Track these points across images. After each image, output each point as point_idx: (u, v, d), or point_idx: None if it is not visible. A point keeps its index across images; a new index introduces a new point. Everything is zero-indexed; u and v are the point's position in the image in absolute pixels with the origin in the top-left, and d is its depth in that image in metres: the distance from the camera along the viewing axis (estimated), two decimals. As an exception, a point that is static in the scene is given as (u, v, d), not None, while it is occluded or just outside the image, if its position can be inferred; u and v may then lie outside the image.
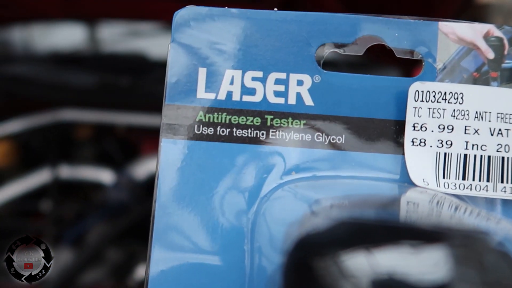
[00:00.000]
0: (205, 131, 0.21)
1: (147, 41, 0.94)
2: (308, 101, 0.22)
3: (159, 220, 0.21)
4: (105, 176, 0.83)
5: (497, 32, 0.22)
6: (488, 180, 0.21)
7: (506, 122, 0.22)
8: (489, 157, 0.21)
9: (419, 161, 0.22)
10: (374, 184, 0.22)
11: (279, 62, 0.22)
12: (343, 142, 0.22)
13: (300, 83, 0.22)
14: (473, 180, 0.21)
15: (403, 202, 0.21)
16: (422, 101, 0.22)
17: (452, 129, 0.21)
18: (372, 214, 0.19)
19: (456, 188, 0.21)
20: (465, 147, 0.21)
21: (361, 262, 0.15)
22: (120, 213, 0.78)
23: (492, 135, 0.21)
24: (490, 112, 0.22)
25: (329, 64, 0.23)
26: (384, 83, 0.22)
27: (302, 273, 0.16)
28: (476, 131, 0.21)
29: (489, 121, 0.21)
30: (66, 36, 0.97)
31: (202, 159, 0.21)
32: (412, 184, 0.22)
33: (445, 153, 0.22)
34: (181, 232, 0.21)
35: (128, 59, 0.96)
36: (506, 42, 0.22)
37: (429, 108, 0.22)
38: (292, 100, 0.22)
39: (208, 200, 0.21)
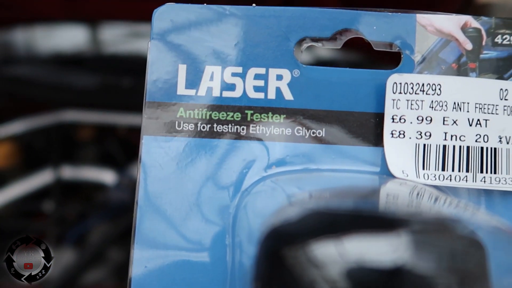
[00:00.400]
0: (185, 127, 0.22)
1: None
2: (288, 95, 0.22)
3: (141, 218, 0.21)
4: (107, 176, 0.84)
5: (474, 23, 0.23)
6: (467, 171, 0.22)
7: (484, 113, 0.22)
8: (468, 147, 0.22)
9: (399, 152, 0.22)
10: (354, 176, 0.22)
11: (259, 57, 0.22)
12: (323, 135, 0.22)
13: (279, 77, 0.22)
14: (453, 170, 0.22)
15: (383, 193, 0.22)
16: (400, 93, 0.22)
17: (431, 120, 0.22)
18: (348, 205, 0.20)
19: (435, 179, 0.22)
20: (444, 138, 0.22)
21: (330, 251, 0.16)
22: (122, 213, 0.79)
23: (470, 125, 0.22)
24: (468, 103, 0.22)
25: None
26: (363, 76, 0.23)
27: (272, 262, 0.17)
28: (454, 122, 0.22)
29: (468, 111, 0.22)
30: (68, 37, 0.98)
31: (183, 155, 0.22)
32: (392, 176, 0.22)
33: (424, 145, 0.22)
34: (163, 229, 0.21)
35: (130, 60, 0.97)
36: (483, 33, 0.22)
37: (408, 100, 0.22)
38: (271, 94, 0.22)
39: (190, 196, 0.22)
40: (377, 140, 0.22)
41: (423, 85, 0.22)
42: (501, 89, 0.22)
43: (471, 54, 0.22)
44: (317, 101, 0.22)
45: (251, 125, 0.22)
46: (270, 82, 0.22)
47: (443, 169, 0.22)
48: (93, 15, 0.91)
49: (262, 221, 0.20)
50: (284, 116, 0.22)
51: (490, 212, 0.22)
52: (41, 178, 0.80)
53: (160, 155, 0.22)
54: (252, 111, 0.22)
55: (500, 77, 0.22)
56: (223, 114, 0.22)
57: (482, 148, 0.22)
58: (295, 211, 0.19)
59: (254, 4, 0.23)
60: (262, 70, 0.22)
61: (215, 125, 0.22)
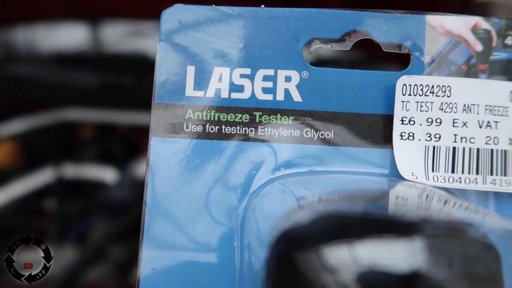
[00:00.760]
0: (194, 129, 0.22)
1: (149, 40, 0.95)
2: (297, 97, 0.22)
3: (149, 219, 0.21)
4: (108, 175, 0.84)
5: (485, 25, 0.22)
6: (477, 173, 0.21)
7: (494, 115, 0.21)
8: (478, 149, 0.21)
9: (408, 154, 0.22)
10: (363, 178, 0.22)
11: (267, 59, 0.22)
12: (332, 137, 0.22)
13: (288, 79, 0.22)
14: (462, 173, 0.21)
15: (392, 196, 0.21)
16: (410, 94, 0.22)
17: (440, 122, 0.21)
18: (359, 208, 0.19)
19: (445, 181, 0.21)
20: (453, 140, 0.21)
21: (342, 255, 0.15)
22: (123, 211, 0.79)
23: (480, 127, 0.21)
24: (478, 105, 0.21)
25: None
26: (372, 77, 0.22)
27: (284, 266, 0.16)
28: (464, 124, 0.21)
29: (478, 113, 0.21)
30: (69, 36, 0.97)
31: (191, 157, 0.21)
32: (401, 178, 0.22)
33: (434, 146, 0.22)
34: (171, 230, 0.21)
35: (130, 59, 0.96)
36: (494, 34, 0.22)
37: (417, 102, 0.22)
38: (280, 96, 0.22)
39: (198, 197, 0.21)
40: (386, 142, 0.22)
41: (432, 86, 0.22)
42: (511, 91, 0.22)
43: (481, 55, 0.22)
44: (326, 103, 0.22)
45: (259, 127, 0.22)
46: (279, 84, 0.22)
47: (452, 171, 0.21)
48: (94, 14, 0.90)
49: (271, 223, 0.19)
50: (293, 117, 0.22)
51: (500, 215, 0.22)
52: (43, 177, 0.80)
53: (168, 157, 0.21)
54: (260, 113, 0.22)
55: (511, 79, 0.22)
56: (231, 115, 0.22)
57: (492, 150, 0.21)
58: (306, 214, 0.18)
59: (262, 6, 0.22)
60: (270, 72, 0.22)
61: (223, 127, 0.22)
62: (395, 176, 0.22)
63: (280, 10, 0.22)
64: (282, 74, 0.22)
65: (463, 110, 0.21)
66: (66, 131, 0.86)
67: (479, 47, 0.22)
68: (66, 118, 0.85)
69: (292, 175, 0.22)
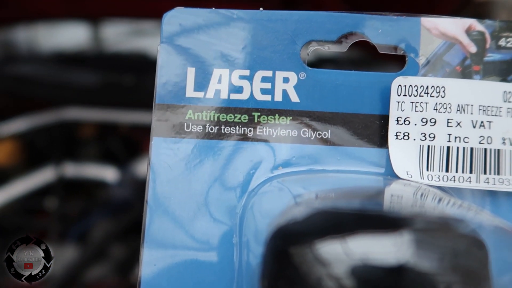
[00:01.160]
0: (194, 129, 0.22)
1: (150, 40, 0.95)
2: (294, 97, 0.23)
3: (150, 217, 0.22)
4: (109, 174, 0.85)
5: (479, 27, 0.23)
6: (471, 172, 0.22)
7: (488, 115, 0.22)
8: (471, 149, 0.22)
9: (403, 154, 0.22)
10: (359, 177, 0.22)
11: (266, 61, 0.23)
12: (329, 137, 0.23)
13: (286, 80, 0.23)
14: (456, 172, 0.22)
15: (387, 194, 0.22)
16: (405, 95, 0.22)
17: (435, 122, 0.22)
18: (353, 205, 0.20)
19: (439, 180, 0.22)
20: (448, 140, 0.22)
21: (336, 250, 0.16)
22: (123, 211, 0.80)
23: (474, 127, 0.22)
24: (472, 105, 0.22)
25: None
26: (368, 78, 0.23)
27: (279, 260, 0.17)
28: (458, 124, 0.22)
29: (471, 113, 0.22)
30: (70, 35, 0.98)
31: (192, 156, 0.22)
32: (397, 177, 0.22)
33: (428, 146, 0.22)
34: (172, 228, 0.22)
35: (131, 58, 0.97)
36: (488, 36, 0.23)
37: (412, 102, 0.22)
38: (278, 97, 0.23)
39: (198, 196, 0.22)
40: (382, 141, 0.23)
41: (427, 87, 0.22)
42: (505, 91, 0.22)
43: (475, 57, 0.23)
44: (323, 103, 0.23)
45: (258, 127, 0.22)
46: (277, 85, 0.23)
47: (447, 170, 0.22)
48: (94, 13, 0.91)
49: (268, 221, 0.20)
50: (291, 118, 0.23)
51: (494, 213, 0.22)
52: (44, 176, 0.81)
53: (169, 156, 0.22)
54: (259, 113, 0.22)
55: (504, 80, 0.23)
56: (230, 116, 0.22)
57: (485, 149, 0.22)
58: (301, 210, 0.19)
59: (261, 8, 0.23)
60: (269, 73, 0.23)
61: (223, 127, 0.22)
62: (391, 175, 0.22)
63: (278, 13, 0.23)
64: (280, 75, 0.23)
65: (457, 110, 0.22)
66: (67, 131, 0.87)
67: (473, 48, 0.23)
68: (67, 117, 0.86)
69: (289, 174, 0.22)
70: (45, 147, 0.88)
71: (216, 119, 0.22)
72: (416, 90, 0.22)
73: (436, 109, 0.22)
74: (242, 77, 0.23)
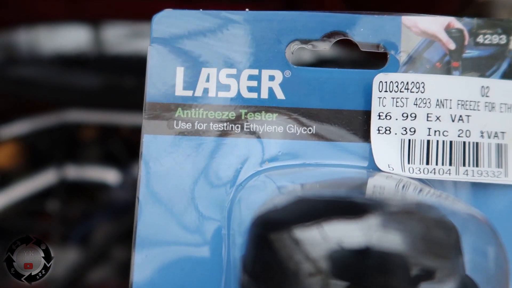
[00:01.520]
0: (183, 126, 0.24)
1: (151, 41, 0.97)
2: (280, 95, 0.24)
3: (142, 213, 0.23)
4: (110, 176, 0.86)
5: (457, 24, 0.24)
6: (450, 164, 0.23)
7: (466, 109, 0.24)
8: (451, 142, 0.23)
9: (385, 148, 0.24)
10: (343, 170, 0.24)
11: (252, 59, 0.24)
12: (314, 132, 0.24)
13: (271, 78, 0.24)
14: (436, 164, 0.23)
15: (370, 185, 0.23)
16: (386, 91, 0.24)
17: (415, 116, 0.24)
18: (333, 194, 0.21)
19: (420, 172, 0.23)
20: (427, 134, 0.24)
21: (312, 234, 0.17)
22: (125, 213, 0.81)
23: (453, 121, 0.23)
24: (450, 100, 0.24)
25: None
26: (351, 75, 0.24)
27: (260, 246, 0.19)
28: (437, 118, 0.23)
29: (450, 108, 0.23)
30: (71, 38, 1.00)
31: (181, 152, 0.24)
32: (379, 170, 0.24)
33: (409, 140, 0.24)
34: (163, 220, 0.23)
35: (132, 60, 0.99)
36: (466, 33, 0.24)
37: (393, 98, 0.24)
38: (264, 94, 0.24)
39: (188, 191, 0.23)
40: (365, 136, 0.24)
41: (407, 83, 0.24)
42: (483, 86, 0.24)
43: (454, 53, 0.24)
44: (308, 100, 0.24)
45: (245, 124, 0.24)
46: (263, 83, 0.24)
47: (427, 163, 0.23)
48: (95, 16, 0.93)
49: (253, 213, 0.22)
50: (277, 114, 0.24)
51: (472, 204, 0.24)
52: (45, 178, 0.83)
53: (160, 153, 0.24)
54: (246, 110, 0.24)
55: (482, 75, 0.24)
56: (218, 113, 0.24)
57: (464, 142, 0.23)
58: (282, 199, 0.20)
59: (247, 9, 0.24)
60: (255, 72, 0.24)
61: (211, 124, 0.24)
62: (374, 168, 0.24)
63: (264, 13, 0.24)
64: (266, 73, 0.24)
65: (437, 105, 0.23)
66: (68, 133, 0.89)
67: (452, 45, 0.24)
68: (68, 119, 0.88)
69: (276, 168, 0.24)
70: (46, 150, 0.89)
71: (204, 116, 0.24)
72: (397, 86, 0.24)
73: (416, 104, 0.24)
74: (229, 76, 0.24)
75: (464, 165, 0.23)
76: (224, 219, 0.23)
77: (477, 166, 0.23)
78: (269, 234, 0.18)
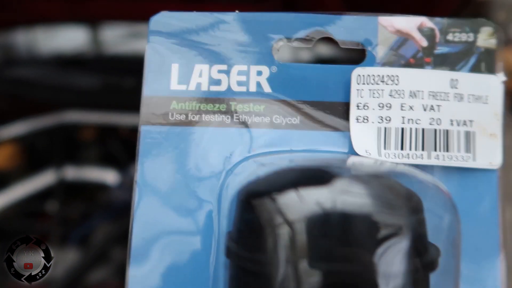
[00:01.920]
0: (178, 118, 0.27)
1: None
2: (267, 88, 0.28)
3: (140, 196, 0.27)
4: (109, 176, 0.90)
5: (429, 23, 0.28)
6: (423, 149, 0.27)
7: (437, 99, 0.27)
8: (423, 129, 0.27)
9: (363, 135, 0.27)
10: (326, 155, 0.27)
11: (241, 56, 0.28)
12: (298, 123, 0.28)
13: (259, 73, 0.28)
14: (410, 149, 0.27)
15: (350, 160, 0.27)
16: (363, 83, 0.27)
17: (390, 106, 0.27)
18: (312, 165, 0.25)
19: (395, 157, 0.27)
20: (402, 122, 0.27)
21: (291, 199, 0.21)
22: (124, 213, 0.84)
23: (425, 110, 0.27)
24: (423, 91, 0.27)
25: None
26: (332, 70, 0.28)
27: (244, 211, 0.22)
28: (411, 108, 0.27)
29: (422, 98, 0.27)
30: (70, 38, 1.04)
31: (176, 141, 0.27)
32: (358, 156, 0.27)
33: (385, 128, 0.27)
34: (159, 204, 0.27)
35: (131, 60, 1.02)
36: (437, 32, 0.28)
37: (370, 90, 0.27)
38: (253, 88, 0.28)
39: (182, 177, 0.27)
40: (345, 125, 0.28)
41: (383, 76, 0.27)
42: (452, 79, 0.27)
43: (426, 50, 0.28)
44: (293, 93, 0.28)
45: (235, 115, 0.27)
46: (251, 77, 0.28)
47: (402, 149, 0.27)
48: (94, 16, 0.97)
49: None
50: (264, 106, 0.28)
51: (445, 185, 0.27)
52: (44, 179, 0.86)
53: (156, 142, 0.27)
54: (236, 103, 0.28)
55: (452, 70, 0.27)
56: (210, 105, 0.27)
57: (435, 130, 0.27)
58: (265, 170, 0.24)
59: (237, 11, 0.28)
60: (244, 67, 0.28)
61: (203, 115, 0.27)
62: (353, 154, 0.27)
63: (252, 14, 0.28)
64: (254, 69, 0.28)
65: (410, 95, 0.27)
66: (67, 133, 0.93)
67: (424, 43, 0.28)
68: (67, 120, 0.91)
69: (262, 154, 0.27)
70: (45, 150, 0.93)
71: (197, 109, 0.27)
72: (373, 79, 0.27)
73: (391, 95, 0.27)
74: (220, 71, 0.28)
75: (435, 150, 0.27)
76: (215, 202, 0.27)
77: (447, 151, 0.27)
78: (250, 200, 0.22)
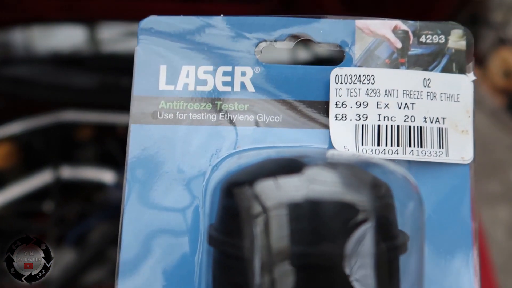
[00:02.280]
0: (166, 116, 0.30)
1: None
2: (251, 88, 0.31)
3: (130, 191, 0.29)
4: (106, 176, 0.93)
5: (403, 26, 0.30)
6: (398, 145, 0.30)
7: (411, 98, 0.30)
8: (398, 126, 0.30)
9: (342, 132, 0.30)
10: (306, 149, 0.30)
11: (226, 58, 0.31)
12: (280, 121, 0.30)
13: (243, 74, 0.31)
14: (386, 145, 0.30)
15: (329, 152, 0.29)
16: (341, 83, 0.30)
17: (367, 104, 0.30)
18: (291, 155, 0.28)
19: (372, 153, 0.30)
20: (378, 119, 0.30)
21: (268, 187, 0.24)
22: (122, 213, 0.87)
23: (400, 108, 0.30)
24: (397, 90, 0.30)
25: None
26: (313, 71, 0.31)
27: (225, 198, 0.25)
28: (386, 106, 0.30)
29: (397, 97, 0.30)
30: (67, 37, 1.07)
31: (164, 139, 0.30)
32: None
33: (363, 125, 0.30)
34: (148, 199, 0.30)
35: (128, 59, 1.05)
36: (410, 34, 0.30)
37: (348, 89, 0.30)
38: (237, 88, 0.31)
39: (170, 173, 0.30)
40: (325, 123, 0.30)
41: (360, 76, 0.30)
42: (425, 78, 0.30)
43: (401, 51, 0.30)
44: (275, 92, 0.31)
45: (220, 114, 0.30)
46: (236, 78, 0.31)
47: (378, 145, 0.30)
48: (91, 15, 0.99)
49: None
50: (248, 105, 0.30)
51: (418, 179, 0.30)
52: (41, 178, 0.89)
53: (145, 139, 0.30)
54: (221, 102, 0.30)
55: (425, 69, 0.30)
56: (197, 105, 0.30)
57: (410, 126, 0.30)
58: (247, 161, 0.27)
59: (222, 15, 0.31)
60: (229, 68, 0.31)
61: (190, 114, 0.30)
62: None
63: (236, 18, 0.31)
64: (238, 70, 0.31)
65: (385, 94, 0.30)
66: (64, 132, 0.95)
67: (399, 44, 0.30)
68: (64, 119, 0.94)
69: (246, 150, 0.30)
70: (42, 149, 0.96)
71: (184, 108, 0.30)
72: (351, 79, 0.30)
73: (368, 94, 0.30)
74: (206, 72, 0.31)
75: (410, 146, 0.30)
76: (202, 197, 0.30)
77: (421, 147, 0.30)
78: (228, 188, 0.25)
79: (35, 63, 1.00)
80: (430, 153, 0.30)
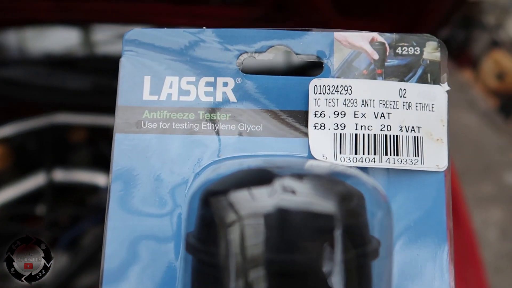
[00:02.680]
0: (150, 126, 0.32)
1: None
2: (232, 98, 0.32)
3: (113, 199, 0.31)
4: (100, 179, 0.95)
5: (380, 38, 0.32)
6: (375, 154, 0.31)
7: (387, 107, 0.32)
8: (374, 135, 0.32)
9: (320, 141, 0.32)
10: (285, 158, 0.32)
11: (208, 69, 0.33)
12: (262, 130, 0.32)
13: (225, 84, 0.32)
14: (363, 154, 0.32)
15: (308, 163, 0.31)
16: (320, 93, 0.32)
17: (345, 114, 0.32)
18: (270, 166, 0.30)
19: (350, 161, 0.32)
20: (355, 128, 0.32)
21: (242, 197, 0.26)
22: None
23: (376, 117, 0.32)
24: (374, 100, 0.32)
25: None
26: (292, 81, 0.33)
27: (202, 207, 0.27)
28: (363, 115, 0.32)
29: (373, 107, 0.32)
30: (60, 39, 1.09)
31: (148, 148, 0.32)
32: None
33: (341, 134, 0.32)
34: (132, 206, 0.31)
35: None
36: (387, 46, 0.32)
37: (326, 99, 0.32)
38: (219, 98, 0.32)
39: (153, 181, 0.32)
40: (306, 132, 0.32)
41: (337, 86, 0.32)
42: (401, 88, 0.32)
43: (377, 62, 0.32)
44: (256, 102, 0.32)
45: (202, 123, 0.32)
46: (218, 88, 0.32)
47: (355, 153, 0.32)
48: (85, 17, 1.01)
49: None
50: (229, 114, 0.32)
51: (394, 186, 0.32)
52: (34, 181, 0.91)
53: (129, 148, 0.32)
54: (203, 111, 0.32)
55: (401, 80, 0.32)
56: (180, 114, 0.32)
57: (386, 135, 0.31)
58: (225, 171, 0.29)
59: (204, 27, 0.33)
60: (211, 79, 0.32)
61: (173, 123, 0.32)
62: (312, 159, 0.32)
63: (218, 30, 0.33)
64: (220, 80, 0.32)
65: (362, 104, 0.32)
66: (58, 135, 0.97)
67: (376, 56, 0.32)
68: (58, 121, 0.96)
69: (228, 158, 0.32)
70: (35, 152, 0.98)
71: (168, 117, 0.32)
72: (329, 89, 0.32)
73: (345, 104, 0.32)
74: (189, 83, 0.32)
75: (386, 154, 0.31)
76: (185, 204, 0.31)
77: (397, 155, 0.31)
78: (205, 198, 0.27)
79: (28, 65, 1.02)
80: (406, 161, 0.31)
